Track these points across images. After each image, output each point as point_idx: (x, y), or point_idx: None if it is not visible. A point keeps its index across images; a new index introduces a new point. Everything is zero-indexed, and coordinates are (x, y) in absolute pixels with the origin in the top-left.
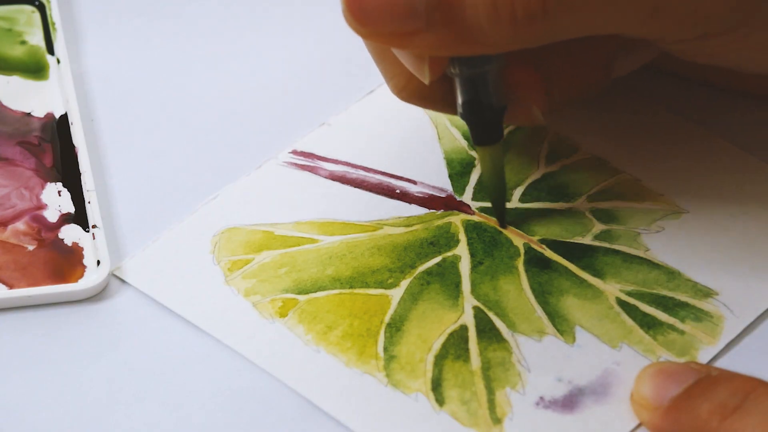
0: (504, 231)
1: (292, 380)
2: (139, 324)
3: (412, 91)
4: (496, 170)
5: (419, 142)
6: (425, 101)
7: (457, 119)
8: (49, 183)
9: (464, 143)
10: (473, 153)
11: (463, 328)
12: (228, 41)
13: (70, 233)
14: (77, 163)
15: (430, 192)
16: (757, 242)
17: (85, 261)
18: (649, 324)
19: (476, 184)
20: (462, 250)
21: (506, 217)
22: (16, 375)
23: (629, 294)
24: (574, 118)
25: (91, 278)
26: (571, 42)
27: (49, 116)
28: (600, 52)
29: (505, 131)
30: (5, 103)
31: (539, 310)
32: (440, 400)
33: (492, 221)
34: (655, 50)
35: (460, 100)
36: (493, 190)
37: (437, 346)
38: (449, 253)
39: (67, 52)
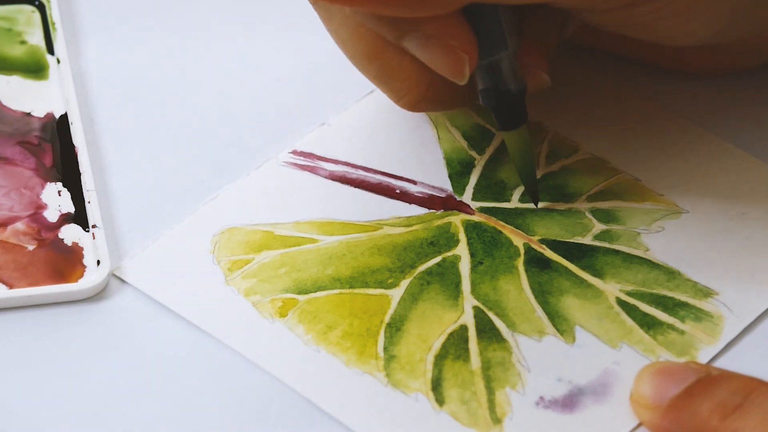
0: (504, 231)
1: (292, 380)
2: (139, 324)
3: (430, 100)
4: (523, 152)
5: (419, 142)
6: (442, 104)
7: (457, 119)
8: (49, 183)
9: (464, 143)
10: (473, 153)
11: (463, 328)
12: (228, 41)
13: (70, 233)
14: (77, 163)
15: (430, 192)
16: (757, 242)
17: (85, 261)
18: (649, 324)
19: (476, 184)
20: (462, 250)
21: (537, 199)
22: (16, 375)
23: (629, 294)
24: (574, 118)
25: (91, 278)
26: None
27: (49, 116)
28: (557, 18)
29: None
30: (5, 103)
31: (539, 310)
32: (440, 400)
33: (492, 221)
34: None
35: (480, 88)
36: (524, 172)
37: (437, 345)
38: (449, 253)
39: (67, 52)
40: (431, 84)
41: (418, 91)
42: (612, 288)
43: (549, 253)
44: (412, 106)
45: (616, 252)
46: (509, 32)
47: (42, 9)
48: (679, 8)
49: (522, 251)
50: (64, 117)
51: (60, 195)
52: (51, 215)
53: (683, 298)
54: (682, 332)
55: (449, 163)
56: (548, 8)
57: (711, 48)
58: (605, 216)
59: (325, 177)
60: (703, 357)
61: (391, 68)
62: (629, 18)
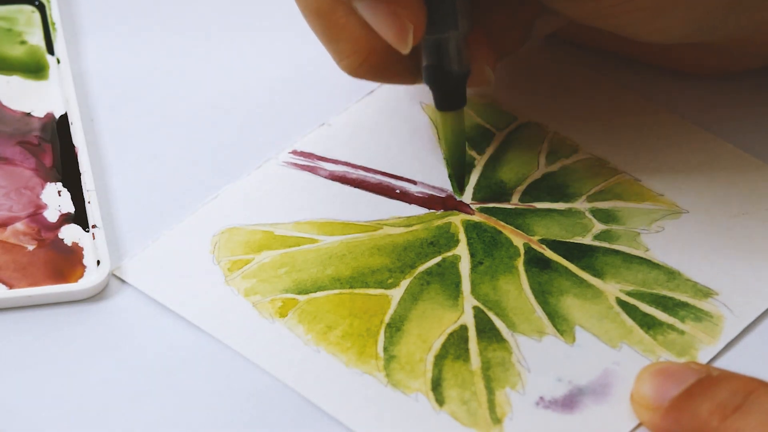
0: (504, 231)
1: (292, 380)
2: (139, 324)
3: (370, 67)
4: (456, 136)
5: (419, 142)
6: (383, 74)
7: None
8: (49, 183)
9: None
10: (473, 153)
11: (463, 328)
12: (228, 41)
13: (70, 233)
14: (77, 163)
15: (430, 192)
16: (757, 242)
17: (85, 261)
18: (649, 324)
19: (476, 184)
20: (462, 250)
21: (463, 187)
22: (16, 375)
23: (629, 294)
24: (574, 118)
25: (91, 278)
26: (496, 8)
27: (49, 116)
28: (522, 16)
29: (508, 130)
30: (5, 103)
31: (539, 310)
32: (440, 400)
33: (492, 221)
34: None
35: (424, 64)
36: (453, 156)
37: (437, 346)
38: (449, 253)
39: (67, 52)
40: (374, 50)
41: (360, 54)
42: (612, 288)
43: (549, 253)
44: (353, 69)
45: (616, 252)
46: (462, 14)
47: (42, 9)
48: (646, 3)
49: (522, 251)
50: (64, 117)
51: (60, 195)
52: (51, 215)
53: (683, 298)
54: (682, 332)
55: (449, 164)
56: (514, 2)
57: (710, 48)
58: (605, 216)
59: (325, 177)
60: (703, 357)
61: (338, 27)
62: (596, 10)
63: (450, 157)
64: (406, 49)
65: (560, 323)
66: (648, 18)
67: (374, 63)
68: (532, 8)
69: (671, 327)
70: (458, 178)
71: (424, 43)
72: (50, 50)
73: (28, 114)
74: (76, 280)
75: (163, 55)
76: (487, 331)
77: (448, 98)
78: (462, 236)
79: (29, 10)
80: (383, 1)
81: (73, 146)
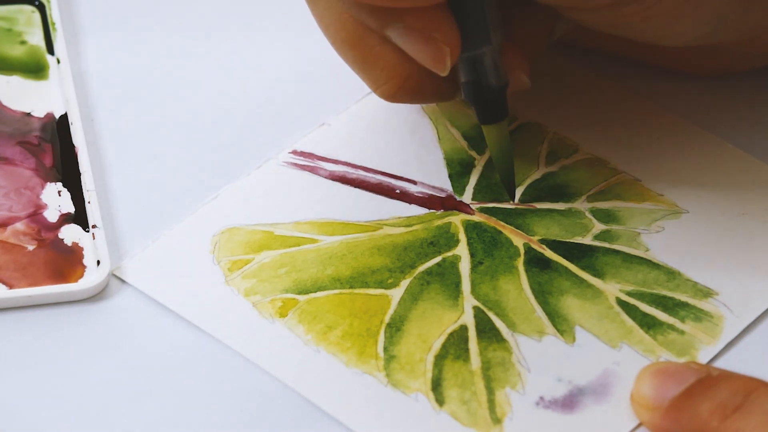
0: (504, 231)
1: (292, 380)
2: (139, 324)
3: (408, 90)
4: (503, 148)
5: (419, 142)
6: (421, 96)
7: (457, 119)
8: (49, 183)
9: (464, 143)
10: (473, 153)
11: (463, 328)
12: (228, 41)
13: (70, 233)
14: (77, 163)
15: (430, 192)
16: (757, 242)
17: (85, 261)
18: (649, 324)
19: (476, 184)
20: (462, 250)
21: (514, 194)
22: (16, 375)
23: (629, 294)
24: (574, 118)
25: (91, 278)
26: (520, 17)
27: (49, 116)
28: (544, 24)
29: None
30: (5, 103)
31: (539, 310)
32: (440, 400)
33: (492, 221)
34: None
35: (462, 81)
36: (502, 168)
37: (437, 346)
38: (449, 253)
39: (67, 52)
40: (411, 75)
41: (397, 81)
42: (612, 288)
43: (549, 253)
44: (391, 96)
45: (616, 252)
46: (494, 27)
47: (42, 9)
48: (666, 8)
49: (522, 251)
50: (64, 117)
51: (60, 195)
52: (51, 215)
53: (683, 298)
54: (682, 332)
55: (449, 163)
56: (534, 8)
57: (711, 49)
58: (605, 216)
59: (325, 177)
60: (703, 357)
61: (372, 56)
62: (617, 18)
63: (499, 168)
64: (444, 72)
65: (560, 323)
66: (665, 23)
67: (412, 87)
68: (552, 16)
69: (671, 327)
70: (509, 186)
71: (461, 61)
72: (50, 50)
73: (28, 114)
74: (76, 280)
75: (163, 55)
76: (487, 331)
77: (490, 112)
78: (462, 236)
79: (29, 10)
80: (416, 27)
81: (73, 146)
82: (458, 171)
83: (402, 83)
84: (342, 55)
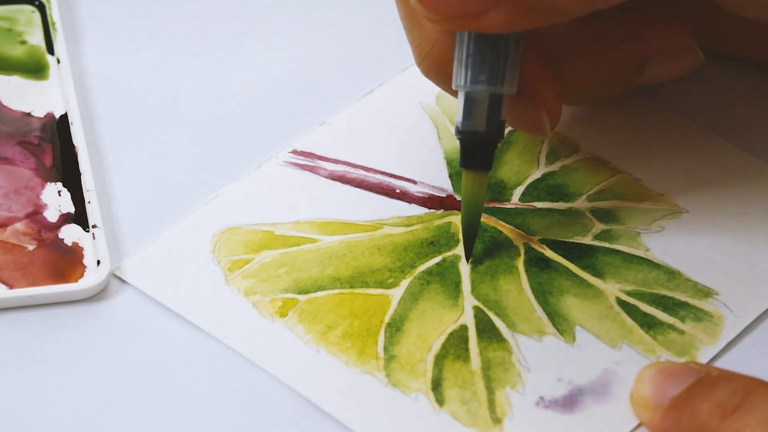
0: (504, 230)
1: (292, 380)
2: (139, 324)
3: (432, 61)
4: (475, 199)
5: (419, 142)
6: (445, 76)
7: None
8: (49, 183)
9: None
10: None
11: (463, 328)
12: (228, 41)
13: (70, 233)
14: (77, 163)
15: (430, 192)
16: (757, 242)
17: (85, 261)
18: (649, 324)
19: None
20: (462, 250)
21: (470, 254)
22: (16, 375)
23: (629, 294)
24: (574, 118)
25: (91, 278)
26: (598, 43)
27: (49, 116)
28: (629, 58)
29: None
30: (5, 103)
31: (539, 310)
32: (440, 400)
33: (492, 221)
34: (692, 59)
35: (458, 118)
36: (468, 220)
37: (437, 345)
38: (449, 253)
39: (67, 52)
40: (435, 44)
41: (426, 45)
42: (612, 288)
43: (549, 253)
44: (421, 60)
45: (616, 252)
46: (511, 72)
47: (42, 9)
48: None
49: (522, 251)
50: (64, 117)
51: (60, 195)
52: (51, 215)
53: (683, 298)
54: (682, 332)
55: (449, 163)
56: (620, 46)
57: None
58: (605, 216)
59: (325, 177)
60: (703, 357)
61: (414, 17)
62: None
63: (464, 218)
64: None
65: (560, 323)
66: None
67: (436, 58)
68: (636, 55)
69: (671, 327)
70: (468, 240)
71: (460, 92)
72: (50, 50)
73: (28, 114)
74: (76, 280)
75: (164, 55)
76: (487, 331)
77: (471, 157)
78: (462, 236)
79: (29, 10)
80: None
81: (73, 146)
82: (458, 171)
83: (429, 49)
84: (398, 10)
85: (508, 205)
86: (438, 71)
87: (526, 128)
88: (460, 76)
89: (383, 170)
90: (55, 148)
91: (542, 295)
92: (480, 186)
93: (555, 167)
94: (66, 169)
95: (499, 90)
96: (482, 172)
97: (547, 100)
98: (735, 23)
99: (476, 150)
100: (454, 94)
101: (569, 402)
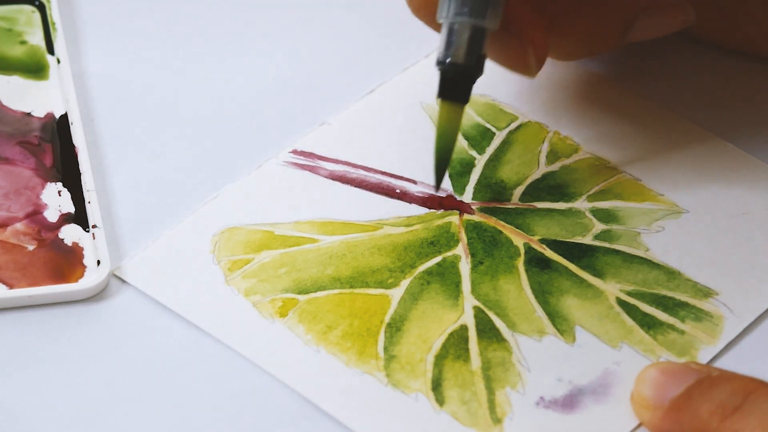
0: (504, 230)
1: (292, 380)
2: (139, 324)
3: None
4: (449, 131)
5: (419, 142)
6: (432, 14)
7: None
8: (49, 183)
9: (464, 143)
10: (473, 152)
11: (463, 328)
12: (228, 41)
13: (70, 233)
14: (77, 163)
15: (430, 192)
16: (757, 242)
17: (85, 261)
18: (649, 324)
19: (476, 184)
20: (462, 250)
21: (440, 183)
22: (16, 375)
23: (629, 294)
24: (574, 117)
25: (91, 278)
26: None
27: (49, 116)
28: (618, 11)
29: (508, 129)
30: (5, 103)
31: (539, 310)
32: (440, 400)
33: (492, 221)
34: (682, 16)
35: (440, 47)
36: (440, 152)
37: (437, 345)
38: (449, 253)
39: (67, 52)
40: None
41: None
42: (612, 288)
43: (549, 253)
44: (417, 8)
45: (617, 252)
46: (494, 6)
47: (42, 9)
48: None
49: (522, 251)
50: (64, 117)
51: (60, 195)
52: (51, 215)
53: (683, 298)
54: (682, 332)
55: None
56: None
57: None
58: (605, 216)
59: (325, 177)
60: (703, 357)
61: None
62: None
63: (437, 150)
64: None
65: (560, 323)
66: None
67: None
68: (626, 10)
69: (671, 327)
70: (439, 173)
71: (444, 25)
72: (50, 50)
73: (28, 114)
74: (76, 280)
75: (164, 55)
76: (487, 331)
77: (448, 88)
78: (462, 236)
79: (29, 10)
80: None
81: (73, 146)
82: (458, 170)
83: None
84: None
85: (508, 205)
86: (426, 8)
87: (512, 65)
88: (443, 8)
89: (383, 170)
90: (55, 148)
91: (542, 295)
92: (455, 119)
93: (555, 167)
94: (66, 169)
95: (481, 23)
96: (459, 104)
97: (535, 38)
98: (739, 12)
99: (455, 82)
100: (439, 29)
101: (569, 402)
